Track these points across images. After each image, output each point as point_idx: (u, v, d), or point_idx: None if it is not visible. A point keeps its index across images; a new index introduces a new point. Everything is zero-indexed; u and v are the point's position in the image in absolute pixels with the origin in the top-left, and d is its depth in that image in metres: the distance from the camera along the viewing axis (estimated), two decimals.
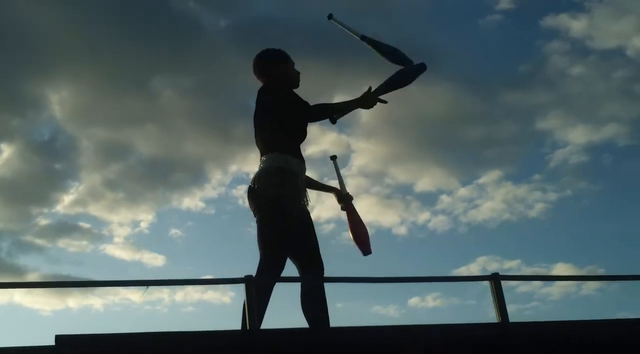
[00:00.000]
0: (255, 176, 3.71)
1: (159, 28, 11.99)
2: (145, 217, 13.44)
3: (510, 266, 11.74)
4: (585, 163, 13.00)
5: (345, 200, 4.01)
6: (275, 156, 3.68)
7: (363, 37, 3.93)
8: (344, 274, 3.65)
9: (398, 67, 3.82)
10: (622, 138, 13.02)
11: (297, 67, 3.95)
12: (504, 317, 3.51)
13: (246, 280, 3.33)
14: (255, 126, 3.83)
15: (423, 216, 13.22)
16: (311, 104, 3.72)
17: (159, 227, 13.63)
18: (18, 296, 11.17)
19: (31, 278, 11.44)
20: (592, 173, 13.05)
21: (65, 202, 13.13)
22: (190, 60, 12.11)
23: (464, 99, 13.02)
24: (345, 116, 3.76)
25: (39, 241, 12.67)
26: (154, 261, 13.20)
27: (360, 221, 3.95)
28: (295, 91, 3.87)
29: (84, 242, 13.24)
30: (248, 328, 3.28)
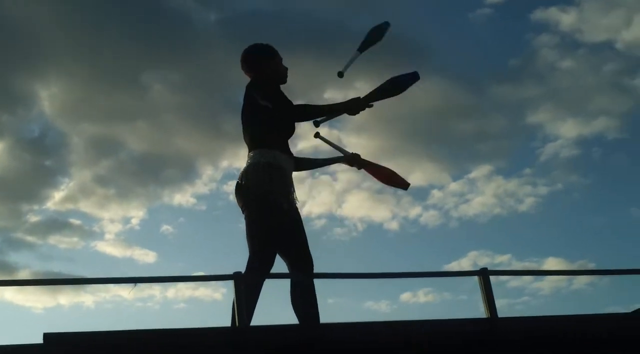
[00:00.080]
0: (242, 171, 3.69)
1: (149, 23, 11.95)
2: (136, 213, 13.42)
3: (501, 260, 11.79)
4: (575, 157, 13.07)
5: (355, 160, 4.00)
6: (263, 151, 3.67)
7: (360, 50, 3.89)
8: (335, 270, 3.64)
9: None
10: (612, 131, 13.09)
11: (287, 62, 3.92)
12: (493, 312, 3.50)
13: (235, 277, 3.30)
14: (243, 122, 3.81)
15: (414, 211, 13.26)
16: (301, 103, 3.72)
17: (150, 223, 13.63)
18: (9, 293, 11.15)
19: (22, 275, 11.41)
20: (582, 167, 13.13)
21: (56, 199, 13.12)
22: (180, 55, 12.08)
23: (454, 93, 13.05)
24: None
25: (30, 238, 12.65)
26: (145, 258, 13.19)
27: (381, 167, 4.00)
28: (285, 86, 3.86)
29: (75, 239, 13.23)
30: (237, 324, 3.26)
